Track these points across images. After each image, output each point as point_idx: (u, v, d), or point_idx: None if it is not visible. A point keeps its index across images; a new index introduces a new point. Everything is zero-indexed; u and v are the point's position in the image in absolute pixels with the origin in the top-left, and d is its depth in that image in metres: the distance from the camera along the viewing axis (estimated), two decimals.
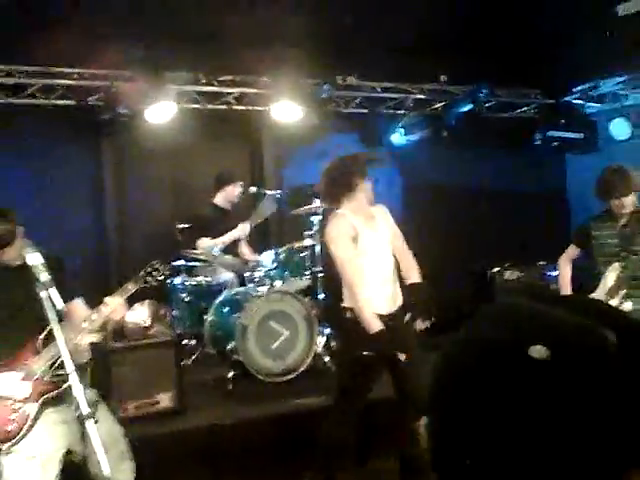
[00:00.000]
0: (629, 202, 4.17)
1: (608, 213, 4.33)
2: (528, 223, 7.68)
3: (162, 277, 3.30)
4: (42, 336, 2.98)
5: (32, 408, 2.97)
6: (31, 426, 2.96)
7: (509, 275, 6.73)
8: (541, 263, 6.92)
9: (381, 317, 3.73)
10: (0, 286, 3.04)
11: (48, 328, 2.94)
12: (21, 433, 2.93)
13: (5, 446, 2.91)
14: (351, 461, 4.14)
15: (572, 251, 4.59)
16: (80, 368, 3.07)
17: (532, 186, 7.96)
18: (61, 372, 2.95)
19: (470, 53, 6.68)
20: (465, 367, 0.83)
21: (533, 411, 0.76)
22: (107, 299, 3.14)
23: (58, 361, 2.93)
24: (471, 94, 7.19)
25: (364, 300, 3.72)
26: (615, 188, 4.15)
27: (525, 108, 7.98)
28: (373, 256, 3.85)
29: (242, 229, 6.25)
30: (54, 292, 2.81)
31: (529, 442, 0.76)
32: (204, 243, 6.11)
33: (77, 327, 3.05)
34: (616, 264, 4.21)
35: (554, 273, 6.70)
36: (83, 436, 2.93)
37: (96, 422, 2.61)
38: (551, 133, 7.35)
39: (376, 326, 3.64)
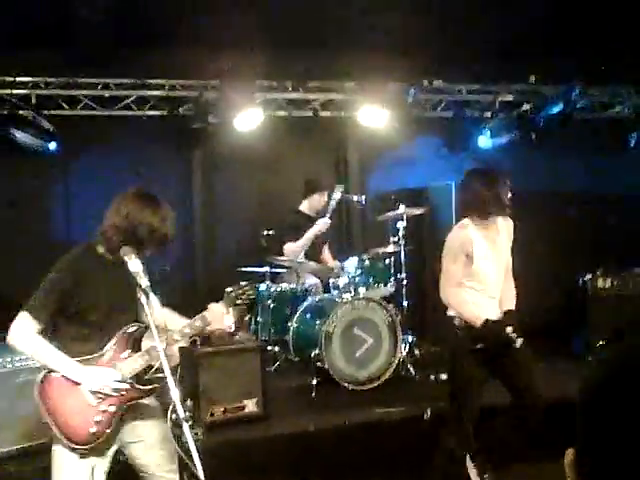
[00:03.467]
0: None
1: None
2: (623, 229, 7.36)
3: (250, 300, 3.34)
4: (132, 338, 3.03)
5: (117, 413, 2.95)
6: (112, 432, 2.95)
7: (602, 283, 6.47)
8: (637, 270, 6.62)
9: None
10: (113, 281, 3.00)
11: (133, 329, 3.02)
12: (101, 439, 2.91)
13: (82, 447, 2.87)
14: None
15: None
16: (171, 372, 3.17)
17: (627, 190, 7.62)
18: (147, 378, 3.03)
19: (561, 51, 6.47)
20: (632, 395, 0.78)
21: None
22: (211, 305, 3.15)
23: (153, 367, 2.97)
24: (562, 94, 6.95)
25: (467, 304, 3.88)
26: None
27: (619, 108, 7.65)
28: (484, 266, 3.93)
29: (322, 223, 6.25)
30: (154, 298, 2.87)
31: None
32: (290, 248, 6.19)
33: (177, 331, 3.08)
34: None
35: None
36: (134, 436, 3.04)
37: (191, 426, 2.66)
38: None
39: (480, 319, 3.75)
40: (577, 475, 0.88)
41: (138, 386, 3.00)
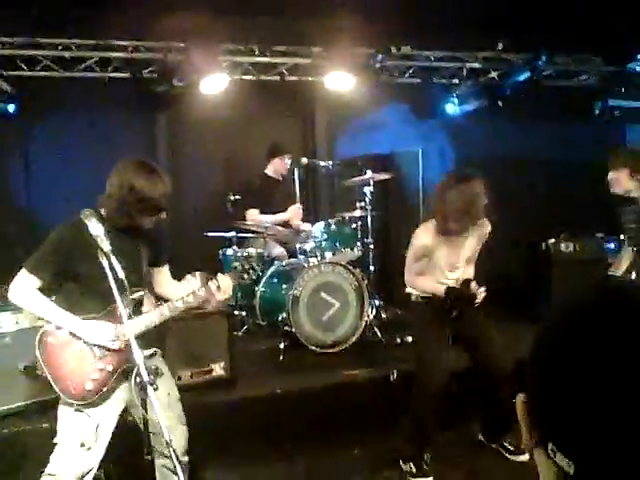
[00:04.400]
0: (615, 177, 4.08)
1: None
2: (586, 194, 7.47)
3: (256, 276, 3.37)
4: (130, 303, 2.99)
5: (114, 373, 2.97)
6: (108, 392, 2.97)
7: (565, 247, 6.58)
8: (599, 235, 6.74)
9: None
10: (115, 246, 2.91)
11: (136, 293, 3.02)
12: (97, 395, 2.93)
13: (78, 404, 2.91)
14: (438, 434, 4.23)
15: None
16: (159, 336, 3.17)
17: (591, 157, 7.71)
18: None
19: (528, 19, 6.47)
20: (586, 343, 0.80)
21: None
22: (219, 276, 3.16)
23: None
24: (529, 62, 6.98)
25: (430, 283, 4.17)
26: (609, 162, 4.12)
27: (585, 76, 7.71)
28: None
29: (294, 214, 6.28)
30: (115, 261, 2.84)
31: None
32: (252, 214, 6.17)
33: (179, 299, 3.09)
34: (629, 249, 4.18)
35: (612, 245, 6.55)
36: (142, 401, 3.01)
37: (155, 389, 2.65)
38: (612, 102, 7.10)
39: (442, 289, 4.03)
40: (526, 415, 0.92)
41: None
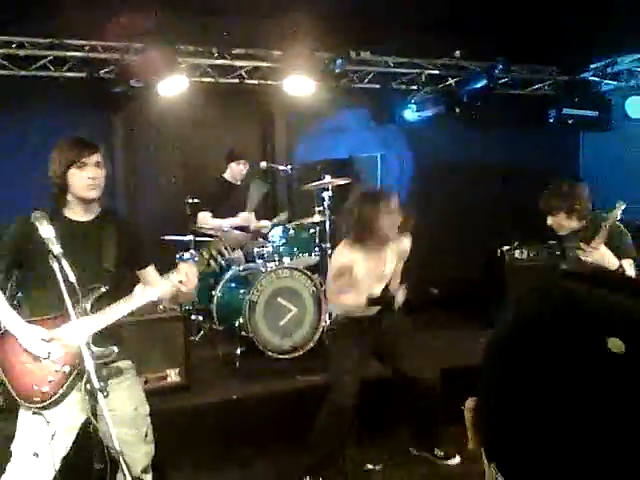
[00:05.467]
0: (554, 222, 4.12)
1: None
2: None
3: (224, 260, 3.20)
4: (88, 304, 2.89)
5: (70, 374, 2.87)
6: (64, 394, 2.87)
7: (519, 254, 6.69)
8: (551, 242, 6.87)
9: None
10: (69, 240, 2.82)
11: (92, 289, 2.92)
12: (54, 397, 2.84)
13: (35, 407, 2.83)
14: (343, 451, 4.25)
15: None
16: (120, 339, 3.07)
17: (545, 164, 7.87)
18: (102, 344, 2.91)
19: (486, 28, 6.57)
20: (532, 354, 0.80)
21: (607, 405, 0.75)
22: (182, 265, 3.01)
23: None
24: (486, 70, 7.09)
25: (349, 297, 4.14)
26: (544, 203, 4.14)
27: (540, 85, 7.86)
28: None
29: (244, 219, 6.26)
30: (66, 264, 2.76)
31: (598, 435, 0.75)
32: (203, 217, 6.13)
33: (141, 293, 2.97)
34: None
35: None
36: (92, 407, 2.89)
37: (106, 396, 2.59)
38: (566, 111, 7.25)
39: (363, 300, 4.02)
40: (474, 421, 0.92)
41: (93, 348, 2.84)
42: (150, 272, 3.24)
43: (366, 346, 4.16)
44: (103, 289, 2.95)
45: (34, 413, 2.86)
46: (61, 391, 2.88)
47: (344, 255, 4.09)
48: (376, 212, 3.94)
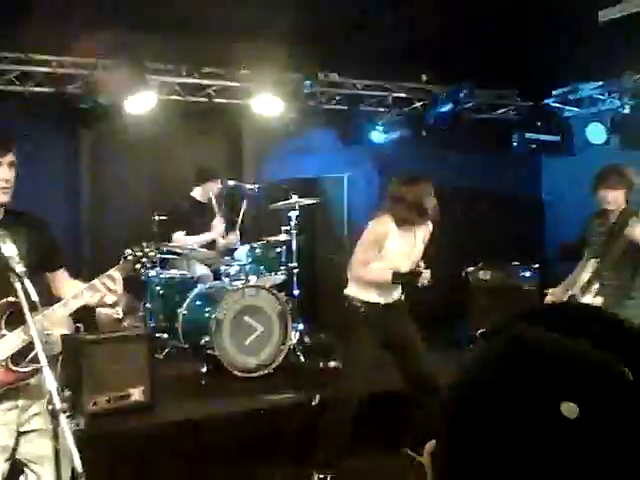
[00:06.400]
0: (617, 196, 4.26)
1: (600, 212, 4.47)
2: (504, 224, 7.74)
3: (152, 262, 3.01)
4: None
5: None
6: None
7: (483, 275, 6.79)
8: (515, 264, 6.99)
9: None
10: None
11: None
12: None
13: None
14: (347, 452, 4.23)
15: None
16: (51, 360, 2.96)
17: (509, 188, 8.02)
18: (25, 365, 2.76)
19: (452, 53, 6.70)
20: (490, 407, 0.81)
21: (560, 468, 0.75)
22: (110, 272, 2.80)
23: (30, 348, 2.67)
24: (451, 94, 7.20)
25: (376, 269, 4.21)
26: (606, 178, 4.28)
27: (504, 110, 8.02)
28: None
29: (217, 231, 6.26)
30: (29, 283, 2.68)
31: None
32: (178, 237, 6.11)
33: (62, 304, 2.78)
34: (592, 261, 4.34)
35: (527, 274, 6.80)
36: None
37: (68, 417, 2.54)
38: (529, 135, 7.39)
39: (389, 273, 4.12)
40: (434, 466, 0.92)
41: (13, 367, 2.73)
42: (59, 275, 3.06)
43: (380, 336, 4.22)
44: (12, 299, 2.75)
45: None
46: None
47: (382, 225, 4.20)
48: (423, 193, 4.24)
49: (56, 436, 2.58)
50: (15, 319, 2.74)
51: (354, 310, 4.27)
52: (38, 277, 2.91)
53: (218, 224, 6.29)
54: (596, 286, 4.32)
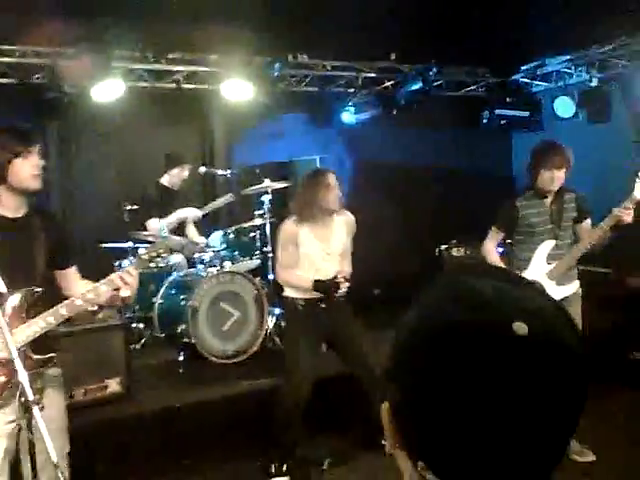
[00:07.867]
0: (560, 176, 4.23)
1: (534, 191, 4.37)
2: (476, 201, 7.80)
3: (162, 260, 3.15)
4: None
5: (8, 385, 2.74)
6: (3, 404, 2.76)
7: (456, 252, 6.86)
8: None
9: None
10: (15, 245, 2.80)
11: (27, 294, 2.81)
12: None
13: None
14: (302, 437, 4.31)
15: (497, 235, 4.61)
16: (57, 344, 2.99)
17: (480, 164, 8.08)
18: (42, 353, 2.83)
19: (420, 31, 6.68)
20: (444, 348, 0.83)
21: (519, 389, 0.79)
22: (125, 269, 2.96)
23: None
24: (420, 72, 7.21)
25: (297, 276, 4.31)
26: (550, 159, 4.20)
27: (474, 87, 8.04)
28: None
29: (192, 212, 6.23)
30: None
31: (511, 421, 0.79)
32: (153, 224, 6.07)
33: (79, 296, 2.86)
34: (548, 241, 4.34)
35: (500, 249, 6.86)
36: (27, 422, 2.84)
37: (41, 409, 2.54)
38: (498, 112, 7.44)
39: (310, 280, 4.19)
40: (393, 423, 0.94)
41: (32, 355, 2.77)
42: (70, 274, 3.13)
43: (316, 332, 4.27)
44: (37, 290, 2.85)
45: None
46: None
47: (289, 225, 4.26)
48: (315, 187, 4.21)
49: (30, 428, 2.59)
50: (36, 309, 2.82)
51: (294, 308, 4.35)
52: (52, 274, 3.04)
53: (196, 210, 6.26)
54: (552, 266, 4.31)
